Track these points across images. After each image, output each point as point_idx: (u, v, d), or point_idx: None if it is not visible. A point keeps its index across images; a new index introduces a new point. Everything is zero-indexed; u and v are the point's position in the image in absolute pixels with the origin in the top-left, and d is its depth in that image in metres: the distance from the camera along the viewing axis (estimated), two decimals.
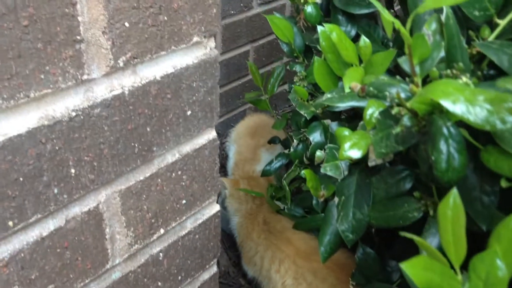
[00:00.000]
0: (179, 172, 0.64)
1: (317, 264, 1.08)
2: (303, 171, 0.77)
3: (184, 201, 0.67)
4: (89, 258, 0.57)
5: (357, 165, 0.66)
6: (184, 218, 0.69)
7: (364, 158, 0.62)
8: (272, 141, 1.44)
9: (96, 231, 0.56)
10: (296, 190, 1.27)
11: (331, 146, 0.70)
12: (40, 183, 0.48)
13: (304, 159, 0.97)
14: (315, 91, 0.94)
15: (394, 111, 0.50)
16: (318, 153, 0.70)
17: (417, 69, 0.52)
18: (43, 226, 0.50)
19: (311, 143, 0.91)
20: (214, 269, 0.81)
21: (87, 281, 0.58)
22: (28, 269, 0.51)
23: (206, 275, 0.80)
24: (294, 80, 0.97)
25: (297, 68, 0.99)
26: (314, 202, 1.18)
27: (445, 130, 0.47)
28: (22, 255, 0.49)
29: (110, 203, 0.56)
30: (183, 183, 0.66)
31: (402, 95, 0.51)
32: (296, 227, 1.12)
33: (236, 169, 1.49)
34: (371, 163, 0.56)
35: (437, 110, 0.48)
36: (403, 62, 0.53)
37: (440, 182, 0.48)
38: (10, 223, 0.47)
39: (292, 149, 1.02)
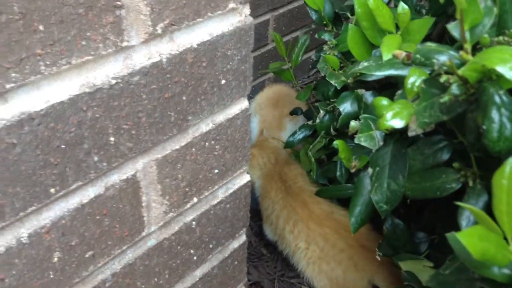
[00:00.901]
0: (212, 142, 0.64)
1: (328, 230, 1.09)
2: (335, 142, 0.76)
3: (216, 171, 0.67)
4: (126, 225, 0.57)
5: (392, 135, 0.65)
6: (216, 187, 0.69)
7: (400, 129, 0.61)
8: (294, 112, 1.43)
9: (133, 199, 0.56)
10: (319, 161, 1.27)
11: (366, 116, 0.69)
12: (81, 150, 0.48)
13: (331, 130, 0.96)
14: (345, 60, 0.92)
15: (443, 79, 0.49)
16: (353, 123, 0.69)
17: (467, 35, 0.50)
18: (83, 194, 0.51)
19: (340, 114, 0.90)
20: (243, 238, 0.82)
21: (124, 248, 0.59)
22: (69, 235, 0.51)
23: (235, 244, 0.80)
24: (324, 49, 0.95)
25: (326, 36, 0.97)
26: (338, 173, 1.17)
27: (497, 99, 0.45)
28: (63, 222, 0.50)
29: (147, 171, 0.57)
30: (216, 153, 0.65)
31: None
32: (319, 194, 1.12)
33: (259, 140, 1.49)
34: (411, 133, 0.55)
35: (487, 77, 0.47)
36: (453, 28, 0.52)
37: (490, 152, 0.47)
38: (52, 190, 0.47)
39: (318, 120, 1.01)
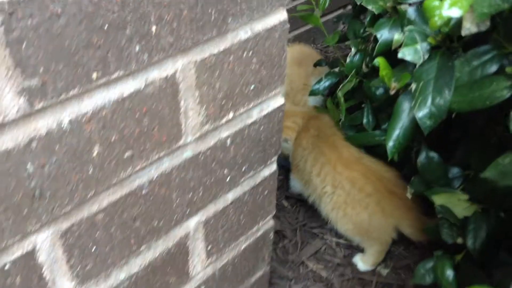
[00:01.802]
0: (250, 53, 0.62)
1: (356, 174, 1.07)
2: (376, 59, 0.74)
3: (252, 87, 0.65)
4: (164, 129, 0.56)
5: (438, 49, 0.63)
6: (251, 105, 0.67)
7: (445, 43, 0.59)
8: (319, 63, 1.41)
9: (172, 101, 0.55)
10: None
11: (411, 28, 0.66)
12: (123, 36, 0.46)
13: (363, 67, 0.94)
14: None
15: None
16: (397, 36, 0.67)
17: None
18: (124, 86, 0.49)
19: (373, 50, 0.87)
20: (274, 167, 0.80)
21: (161, 154, 0.58)
22: (109, 129, 0.50)
23: (266, 172, 0.79)
24: None
25: None
26: (365, 120, 1.16)
27: None
28: (104, 113, 0.49)
29: (186, 73, 0.55)
30: (253, 67, 0.64)
31: None
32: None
33: (287, 99, 1.47)
34: (465, 32, 0.52)
35: None
36: None
37: None
38: (94, 75, 0.46)
39: (348, 60, 0.99)
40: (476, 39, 0.59)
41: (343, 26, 2.07)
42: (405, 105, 0.72)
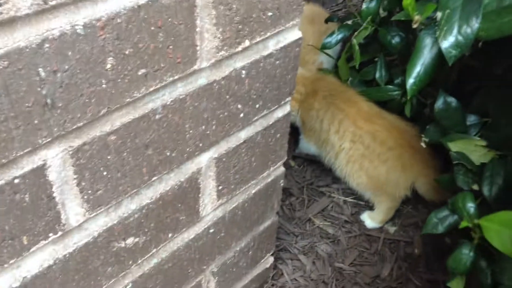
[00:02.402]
0: None
1: (378, 127, 1.05)
2: None
3: (270, 13, 0.63)
4: (179, 49, 0.54)
5: None
6: (268, 34, 0.64)
7: None
8: (330, 19, 1.37)
9: (188, 18, 0.52)
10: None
11: None
12: None
13: (380, 11, 0.91)
14: None
15: None
16: None
17: None
18: None
19: None
20: (287, 108, 0.78)
21: (176, 77, 0.55)
22: (123, 41, 0.48)
23: (280, 113, 0.77)
24: None
25: None
26: (377, 75, 1.13)
27: None
28: (119, 21, 0.46)
29: None
30: None
31: None
32: None
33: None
34: None
35: None
36: None
37: None
38: None
39: (364, 6, 0.96)
40: None
41: None
42: (427, 41, 0.69)
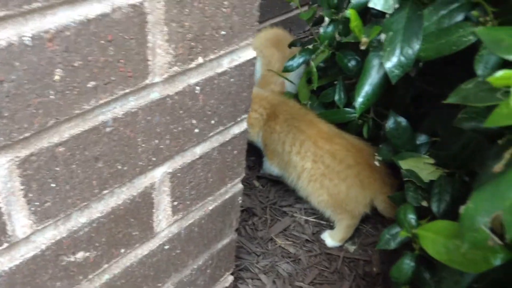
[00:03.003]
0: None
1: (338, 146, 1.08)
2: (348, 11, 0.74)
3: (223, 32, 0.65)
4: (131, 63, 0.55)
5: (407, 1, 0.64)
6: (221, 52, 0.66)
7: None
8: (293, 44, 1.41)
9: (139, 33, 0.54)
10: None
11: None
12: None
13: (336, 35, 0.94)
14: None
15: None
16: None
17: None
18: (89, 8, 0.48)
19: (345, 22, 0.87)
20: (244, 125, 0.80)
21: (127, 90, 0.56)
22: (72, 53, 0.48)
23: (236, 129, 0.78)
24: None
25: None
26: (336, 97, 1.16)
27: None
28: (68, 33, 0.47)
29: (154, 6, 0.54)
30: (224, 10, 0.63)
31: None
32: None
33: (263, 82, 1.46)
34: None
35: None
36: None
37: None
38: None
39: (321, 30, 0.99)
40: None
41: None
42: (374, 62, 0.72)
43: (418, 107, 0.98)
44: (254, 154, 1.44)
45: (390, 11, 0.65)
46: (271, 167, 1.28)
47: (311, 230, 1.27)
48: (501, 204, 0.39)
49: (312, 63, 1.02)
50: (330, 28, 0.97)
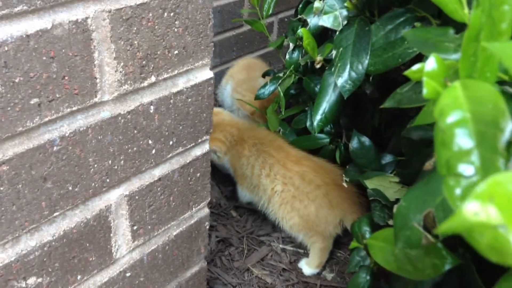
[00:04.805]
0: (172, 14, 0.62)
1: (306, 168, 1.09)
2: (300, 30, 0.75)
3: (176, 52, 0.65)
4: (76, 81, 0.55)
5: (355, 17, 0.65)
6: (176, 72, 0.67)
7: (364, 12, 0.60)
8: (267, 73, 1.42)
9: (84, 50, 0.54)
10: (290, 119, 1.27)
11: None
12: None
13: (300, 60, 0.95)
14: None
15: None
16: (317, 4, 0.68)
17: None
18: (29, 23, 0.48)
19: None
20: (206, 147, 0.79)
21: (74, 108, 0.56)
22: (12, 68, 0.48)
23: (198, 151, 0.78)
24: None
25: None
26: (308, 123, 1.17)
27: None
28: (6, 48, 0.47)
29: (99, 22, 0.54)
30: (176, 29, 0.64)
31: None
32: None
33: (238, 97, 1.49)
34: None
35: None
36: None
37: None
38: None
39: (287, 56, 1.01)
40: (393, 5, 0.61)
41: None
42: (330, 80, 0.73)
43: (386, 129, 0.99)
44: (232, 184, 1.43)
45: (339, 28, 0.67)
46: (242, 192, 1.28)
47: (288, 259, 1.24)
48: (432, 201, 0.38)
49: (279, 88, 1.03)
50: (295, 54, 0.99)
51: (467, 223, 0.21)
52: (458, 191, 0.27)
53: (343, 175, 0.92)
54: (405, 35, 0.43)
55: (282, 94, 1.02)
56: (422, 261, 0.45)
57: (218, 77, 1.76)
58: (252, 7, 1.24)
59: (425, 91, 0.33)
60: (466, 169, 0.27)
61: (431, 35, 0.41)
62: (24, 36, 0.48)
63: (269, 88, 1.24)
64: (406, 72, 0.37)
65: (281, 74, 1.22)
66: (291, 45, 1.00)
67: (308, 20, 0.85)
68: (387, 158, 0.86)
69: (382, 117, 1.03)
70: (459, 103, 0.29)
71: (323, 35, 0.80)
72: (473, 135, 0.27)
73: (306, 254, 1.24)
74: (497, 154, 0.26)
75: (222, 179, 1.46)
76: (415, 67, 0.36)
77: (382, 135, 1.02)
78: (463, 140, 0.28)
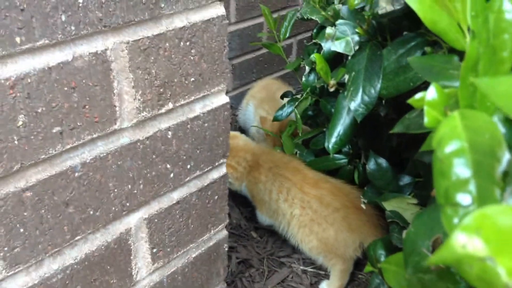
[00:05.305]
0: (188, 43, 0.64)
1: (324, 191, 1.09)
2: (313, 55, 0.76)
3: (192, 79, 0.67)
4: (97, 109, 0.57)
5: (367, 42, 0.66)
6: (192, 98, 0.68)
7: (375, 36, 0.62)
8: (285, 95, 1.44)
9: (104, 80, 0.56)
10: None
11: (342, 22, 0.69)
12: (48, 2, 0.48)
13: (315, 83, 0.96)
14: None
15: None
16: (329, 30, 0.70)
17: None
18: (50, 56, 0.51)
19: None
20: (223, 170, 0.80)
21: (94, 135, 0.58)
22: (35, 99, 0.51)
23: (215, 174, 0.79)
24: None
25: None
26: (326, 144, 1.17)
27: None
28: (29, 80, 0.50)
29: (118, 53, 0.57)
30: (192, 58, 0.66)
31: None
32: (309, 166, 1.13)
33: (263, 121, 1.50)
34: (381, 11, 0.55)
35: None
36: None
37: None
38: (18, 39, 0.47)
39: (304, 79, 1.02)
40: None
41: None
42: (344, 103, 0.74)
43: (403, 150, 0.99)
44: (251, 205, 1.44)
45: (351, 53, 0.68)
46: (262, 216, 1.28)
47: (309, 281, 1.24)
48: (440, 226, 0.38)
49: (296, 111, 1.04)
50: (311, 77, 1.00)
51: (456, 255, 0.22)
52: (456, 220, 0.27)
53: (361, 197, 0.92)
54: (411, 62, 0.44)
55: (299, 116, 1.03)
56: (436, 286, 0.45)
57: (238, 99, 1.78)
58: (270, 31, 1.26)
59: (426, 120, 0.34)
60: (464, 198, 0.28)
61: (436, 62, 0.42)
62: (46, 68, 0.51)
63: (287, 110, 1.25)
64: (410, 100, 0.38)
65: (298, 96, 1.23)
66: (307, 68, 1.01)
67: (322, 44, 0.86)
68: (405, 180, 0.86)
69: (400, 138, 1.02)
70: (457, 133, 0.30)
71: (337, 59, 0.81)
72: (471, 164, 0.28)
73: (327, 276, 1.23)
74: (493, 183, 0.27)
75: (242, 200, 1.46)
76: (418, 95, 0.37)
77: (400, 156, 1.02)
78: (461, 169, 0.28)
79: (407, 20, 0.63)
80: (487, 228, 0.22)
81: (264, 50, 1.85)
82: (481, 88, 0.26)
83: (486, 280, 0.22)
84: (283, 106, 1.26)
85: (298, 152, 1.23)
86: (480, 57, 0.33)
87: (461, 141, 0.29)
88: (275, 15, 1.57)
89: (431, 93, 0.35)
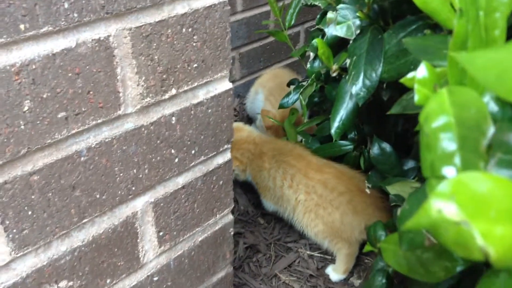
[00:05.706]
0: (190, 29, 0.65)
1: (328, 175, 1.10)
2: (315, 40, 0.77)
3: (195, 65, 0.68)
4: (101, 95, 0.58)
5: (369, 26, 0.66)
6: (195, 84, 0.69)
7: (377, 21, 0.62)
8: (292, 82, 1.44)
9: (107, 66, 0.57)
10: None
11: (343, 6, 0.70)
12: None
13: (320, 69, 0.97)
14: None
15: None
16: (330, 14, 0.70)
17: None
18: (54, 43, 0.52)
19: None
20: (228, 155, 0.82)
21: (99, 121, 0.59)
22: (40, 85, 0.52)
23: (220, 159, 0.80)
24: None
25: None
26: (332, 130, 1.18)
27: None
28: (34, 67, 0.51)
29: (121, 39, 0.58)
30: (194, 44, 0.67)
31: None
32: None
33: (270, 105, 1.51)
34: None
35: None
36: None
37: None
38: (22, 26, 0.48)
39: (308, 65, 1.02)
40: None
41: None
42: (347, 87, 0.74)
43: (409, 135, 0.99)
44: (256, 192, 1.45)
45: (352, 37, 0.68)
46: (267, 203, 1.30)
47: (315, 265, 1.25)
48: None
49: (301, 96, 1.05)
50: (316, 63, 1.00)
51: (432, 219, 0.23)
52: None
53: (366, 181, 0.93)
54: (406, 43, 0.44)
55: (304, 102, 1.04)
56: (433, 264, 0.45)
57: (246, 88, 1.79)
58: (276, 19, 1.27)
59: (416, 97, 0.35)
60: (449, 171, 0.28)
61: (431, 42, 0.42)
62: (50, 54, 0.52)
63: (293, 97, 1.25)
64: (402, 80, 0.39)
65: (304, 83, 1.24)
66: (312, 55, 1.02)
67: (325, 30, 0.87)
68: (409, 164, 0.87)
69: (407, 124, 1.03)
70: (444, 108, 0.30)
71: (341, 44, 0.81)
72: (457, 138, 0.29)
73: (333, 260, 1.24)
74: (478, 156, 0.28)
75: (249, 187, 1.48)
76: (410, 75, 0.38)
77: (407, 142, 1.02)
78: (447, 143, 0.29)
79: (407, 3, 0.63)
80: (462, 194, 0.23)
81: (271, 39, 1.85)
82: (461, 62, 0.26)
83: (462, 243, 0.22)
84: (289, 93, 1.26)
85: (303, 139, 1.24)
86: (468, 35, 0.34)
87: (448, 116, 0.30)
88: (280, 3, 1.57)
89: (421, 71, 0.36)
